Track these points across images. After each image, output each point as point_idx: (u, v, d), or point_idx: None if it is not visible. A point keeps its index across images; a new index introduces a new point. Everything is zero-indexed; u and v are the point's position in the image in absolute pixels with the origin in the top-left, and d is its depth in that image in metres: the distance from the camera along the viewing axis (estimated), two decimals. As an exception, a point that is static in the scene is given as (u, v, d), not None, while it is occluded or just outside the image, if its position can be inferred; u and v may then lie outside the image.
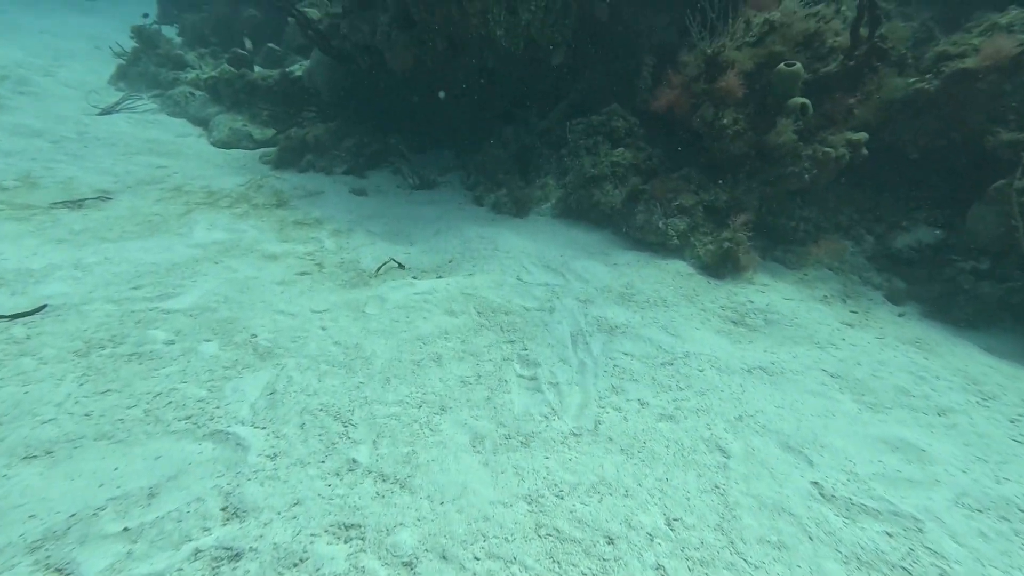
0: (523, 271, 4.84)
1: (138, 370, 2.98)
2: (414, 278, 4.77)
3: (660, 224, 5.17)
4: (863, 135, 4.36)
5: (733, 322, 4.13)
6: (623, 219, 5.62)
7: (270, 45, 8.70)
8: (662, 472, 2.63)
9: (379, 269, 4.78)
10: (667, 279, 4.78)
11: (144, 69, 8.53)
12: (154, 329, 3.37)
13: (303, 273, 4.50)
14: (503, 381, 3.36)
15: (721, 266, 4.72)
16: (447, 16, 6.02)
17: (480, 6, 5.58)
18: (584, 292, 4.52)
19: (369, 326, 3.83)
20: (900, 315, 4.09)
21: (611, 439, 2.89)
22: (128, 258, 4.09)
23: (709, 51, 4.72)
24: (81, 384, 2.77)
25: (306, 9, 7.22)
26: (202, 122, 7.62)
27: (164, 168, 5.91)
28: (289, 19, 6.99)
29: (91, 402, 2.65)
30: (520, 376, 3.45)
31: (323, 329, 3.72)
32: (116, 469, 2.29)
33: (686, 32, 6.19)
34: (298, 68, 7.81)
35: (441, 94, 6.92)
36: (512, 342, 3.81)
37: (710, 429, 2.94)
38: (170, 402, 2.79)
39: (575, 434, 2.93)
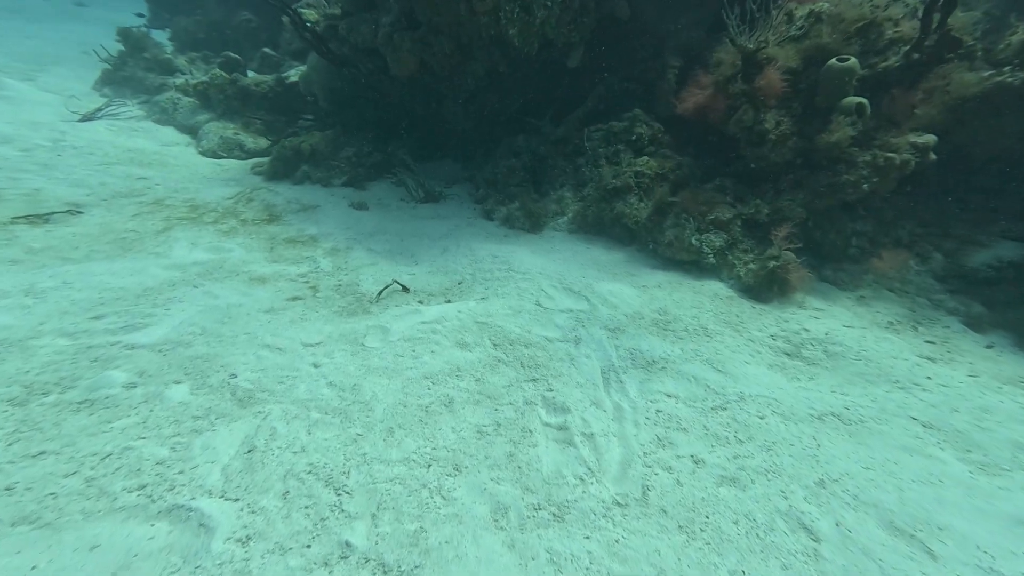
0: (542, 295, 4.36)
1: (86, 423, 2.49)
2: (420, 303, 4.30)
3: (693, 240, 4.69)
4: (931, 138, 3.90)
5: (787, 354, 3.63)
6: (650, 235, 5.15)
7: (265, 50, 8.35)
8: (736, 562, 2.12)
9: (381, 293, 4.30)
10: (705, 303, 4.29)
11: (131, 74, 8.18)
12: (113, 369, 2.89)
13: (295, 299, 4.03)
14: (527, 432, 2.86)
15: (766, 288, 4.23)
16: (455, 16, 5.63)
17: (491, 4, 5.18)
18: (613, 319, 4.03)
19: (369, 362, 3.35)
20: (989, 347, 3.58)
21: (665, 511, 2.38)
22: (92, 282, 3.62)
23: (749, 47, 4.28)
24: (9, 444, 2.28)
25: (302, 10, 6.85)
26: (191, 130, 7.22)
27: (145, 179, 5.48)
28: (284, 20, 6.61)
29: (17, 470, 2.15)
30: (547, 425, 2.95)
31: (316, 367, 3.24)
32: (34, 568, 1.79)
33: (715, 30, 5.79)
34: (294, 73, 7.43)
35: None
36: (535, 381, 3.32)
37: (786, 498, 2.43)
38: (121, 466, 2.30)
39: (620, 503, 2.42)
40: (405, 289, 4.51)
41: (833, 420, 2.94)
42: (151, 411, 2.64)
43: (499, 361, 3.49)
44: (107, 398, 2.68)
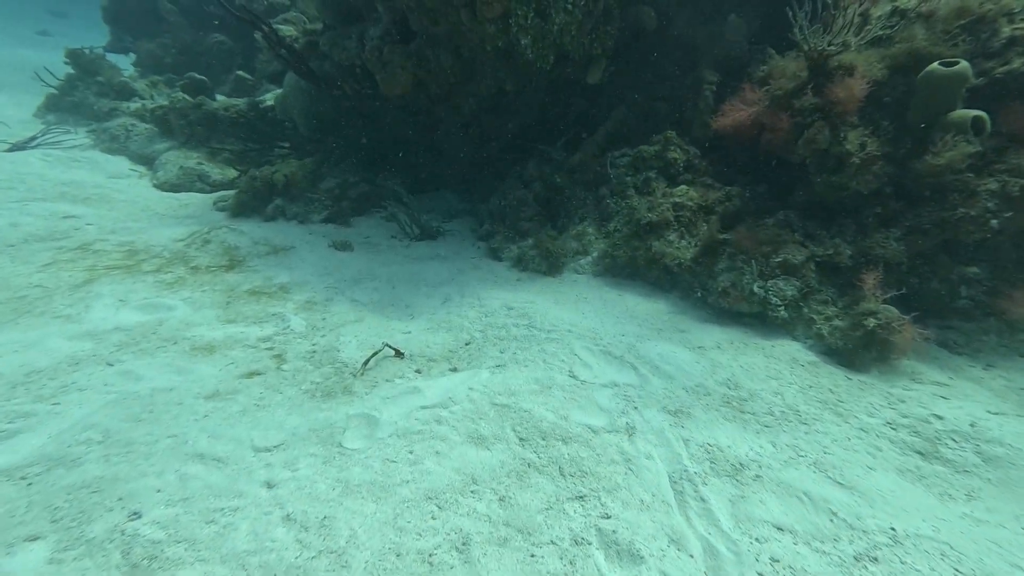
0: (576, 362, 3.48)
1: None
2: (418, 373, 3.42)
3: (755, 288, 3.87)
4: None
5: (920, 453, 2.75)
6: (696, 280, 4.33)
7: (239, 73, 7.66)
8: None
9: (367, 362, 3.42)
10: (783, 372, 3.43)
11: (81, 99, 7.42)
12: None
13: (251, 374, 3.12)
14: (586, 599, 1.94)
15: (860, 352, 3.40)
16: (456, 25, 4.93)
17: (500, 8, 4.49)
18: (671, 396, 3.16)
19: (349, 475, 2.44)
20: None
21: None
22: (-43, 365, 2.69)
23: (826, 49, 3.57)
24: None
25: (279, 26, 6.16)
26: (147, 160, 6.41)
27: (73, 219, 4.60)
28: (258, 37, 5.92)
29: None
30: (613, 583, 2.03)
31: (269, 487, 2.32)
32: None
33: (760, 40, 5.13)
34: (270, 97, 6.70)
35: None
36: (582, 499, 2.42)
37: None
38: None
39: None
40: (399, 354, 3.63)
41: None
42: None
43: (529, 466, 2.59)
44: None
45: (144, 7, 9.23)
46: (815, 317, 3.64)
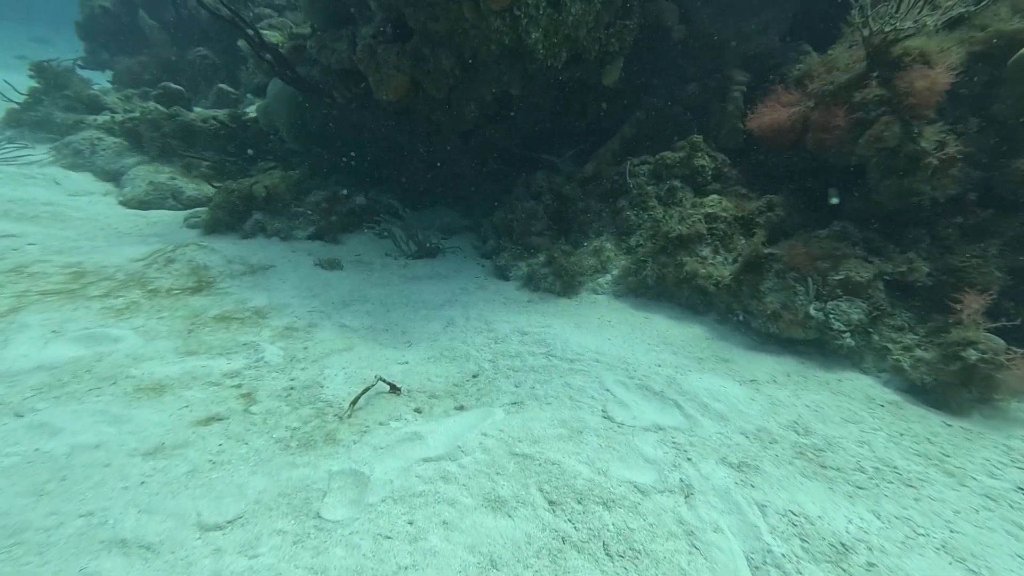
0: (608, 399, 2.92)
1: None
2: (418, 413, 2.87)
3: (812, 311, 3.35)
4: None
5: (1068, 519, 2.17)
6: (737, 301, 3.80)
7: (221, 86, 7.22)
8: None
9: (357, 400, 2.86)
10: (861, 414, 2.88)
11: (46, 114, 6.93)
12: None
13: (209, 420, 2.53)
14: None
15: (957, 391, 2.85)
16: (457, 20, 4.51)
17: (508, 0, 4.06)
18: (729, 444, 2.59)
19: (327, 562, 1.86)
20: None
21: None
22: None
23: (885, 35, 3.14)
24: None
25: (264, 32, 5.73)
26: (114, 176, 5.89)
27: (12, 238, 4.03)
28: (241, 44, 5.48)
29: None
30: None
31: (217, 585, 1.71)
32: None
33: (793, 36, 4.74)
34: (253, 109, 6.23)
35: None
36: (641, 591, 1.83)
37: None
38: None
39: None
40: (394, 389, 3.08)
41: None
42: None
43: (564, 541, 2.01)
44: None
45: (122, 23, 8.86)
46: (890, 346, 3.11)
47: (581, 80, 5.05)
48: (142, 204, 5.33)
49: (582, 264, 4.59)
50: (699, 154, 4.60)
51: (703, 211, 4.24)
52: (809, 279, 3.37)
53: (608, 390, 3.01)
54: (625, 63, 4.89)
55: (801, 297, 3.44)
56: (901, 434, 2.66)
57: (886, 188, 3.29)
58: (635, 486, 2.28)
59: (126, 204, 5.29)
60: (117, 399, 2.48)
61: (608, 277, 4.54)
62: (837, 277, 3.32)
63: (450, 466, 2.35)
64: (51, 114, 6.83)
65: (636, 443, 2.56)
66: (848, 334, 3.17)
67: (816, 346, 3.45)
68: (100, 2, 8.76)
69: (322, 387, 3.02)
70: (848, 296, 3.26)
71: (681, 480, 2.33)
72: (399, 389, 3.10)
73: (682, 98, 5.18)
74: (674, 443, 2.57)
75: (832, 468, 2.43)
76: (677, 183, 4.60)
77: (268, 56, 5.49)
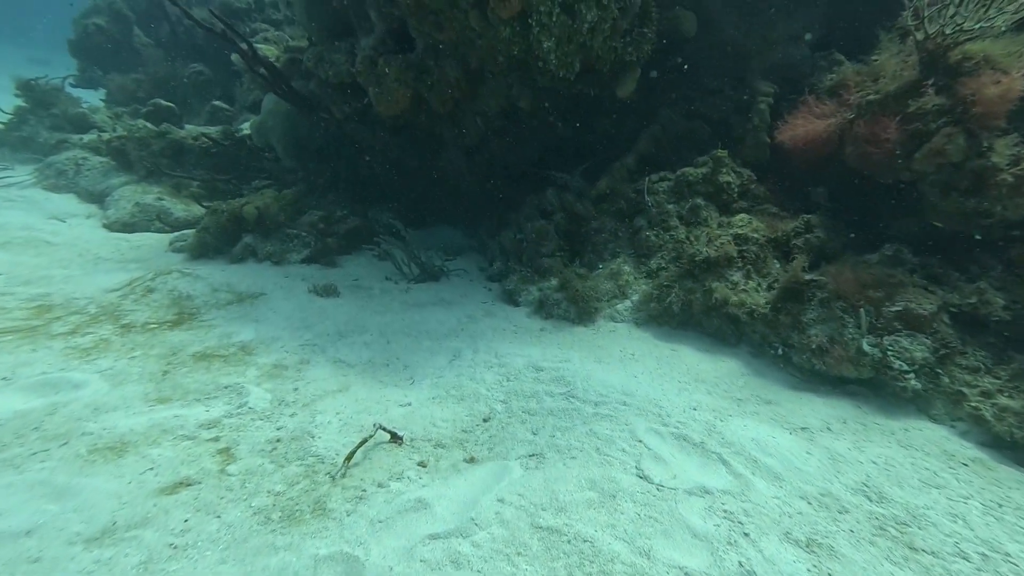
0: (642, 451, 2.53)
1: None
2: (422, 468, 2.50)
3: (866, 347, 2.96)
4: None
5: None
6: (774, 332, 3.42)
7: (216, 103, 6.93)
8: None
9: (352, 455, 2.48)
10: (943, 476, 2.48)
11: (31, 134, 6.63)
12: None
13: (177, 487, 2.15)
14: None
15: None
16: (463, 30, 4.21)
17: (517, 6, 3.76)
18: (790, 513, 2.19)
19: None
20: None
21: None
22: None
23: (941, 38, 2.80)
24: None
25: (259, 45, 5.45)
26: (99, 198, 5.56)
27: (-26, 266, 3.68)
28: (234, 59, 5.18)
29: None
30: None
31: None
32: None
33: (821, 47, 4.43)
34: (248, 126, 5.93)
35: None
36: None
37: None
38: None
39: None
40: (395, 439, 2.72)
41: None
42: None
43: (608, 652, 1.60)
44: None
45: (115, 40, 8.61)
46: (965, 391, 2.72)
47: (594, 93, 4.73)
48: (127, 227, 4.98)
49: (598, 289, 4.22)
50: (724, 170, 4.26)
51: (732, 232, 3.88)
52: (862, 310, 2.99)
53: (641, 441, 2.62)
54: (640, 74, 4.57)
55: (851, 330, 3.06)
56: (999, 504, 2.26)
57: (946, 208, 2.94)
58: (685, 573, 1.88)
59: (109, 227, 4.94)
60: (66, 464, 2.08)
61: (627, 303, 4.16)
62: (894, 308, 2.95)
63: (462, 545, 1.96)
64: (37, 133, 6.53)
65: (681, 512, 2.16)
66: (912, 375, 2.78)
67: (871, 387, 3.06)
68: (94, 20, 8.54)
69: (313, 438, 2.63)
70: (909, 330, 2.88)
71: (741, 565, 1.92)
72: (401, 438, 2.72)
73: (701, 111, 4.86)
74: (725, 511, 2.17)
75: (925, 552, 2.01)
76: (700, 201, 4.26)
77: (263, 70, 5.19)
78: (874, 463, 2.50)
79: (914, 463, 2.49)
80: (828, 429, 2.77)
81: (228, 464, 2.37)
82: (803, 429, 2.76)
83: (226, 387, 2.89)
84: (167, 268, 3.90)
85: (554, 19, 3.75)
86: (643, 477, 2.36)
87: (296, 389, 3.05)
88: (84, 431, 2.30)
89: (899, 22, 3.86)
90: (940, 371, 2.80)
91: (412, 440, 2.74)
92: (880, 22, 3.91)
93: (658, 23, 4.33)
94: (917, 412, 2.87)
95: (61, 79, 7.43)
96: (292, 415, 2.79)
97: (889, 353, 2.88)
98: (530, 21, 3.87)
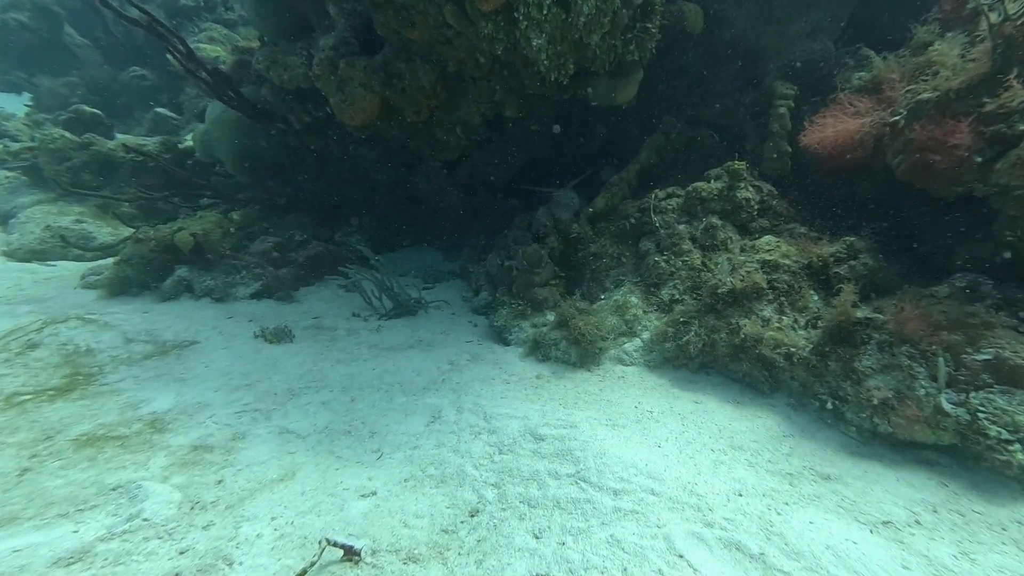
0: (683, 569, 1.83)
1: None
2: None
3: (946, 405, 2.35)
4: None
5: None
6: (820, 381, 2.79)
7: (159, 110, 6.10)
8: None
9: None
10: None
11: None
12: None
13: None
14: None
15: None
16: (438, 27, 3.54)
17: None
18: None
19: None
20: None
21: None
22: None
23: (1021, 22, 2.25)
24: None
25: (202, 46, 4.68)
26: (3, 219, 4.66)
27: None
28: (169, 58, 4.40)
29: None
30: None
31: None
32: None
33: (845, 41, 3.89)
34: (191, 138, 5.13)
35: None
36: None
37: None
38: None
39: None
40: (350, 555, 1.97)
41: None
42: None
43: None
44: None
45: (42, 39, 7.59)
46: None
47: (581, 101, 4.09)
48: (34, 254, 4.13)
49: (603, 326, 3.55)
50: (742, 184, 3.66)
51: (758, 257, 3.26)
52: (940, 358, 2.38)
53: (679, 553, 1.92)
54: (645, 75, 3.96)
55: (922, 382, 2.45)
56: None
57: (1036, 231, 2.38)
58: None
59: (10, 255, 4.08)
60: None
61: (637, 342, 3.50)
62: (980, 357, 2.34)
63: None
64: (-63, 147, 5.62)
65: None
66: (1019, 445, 2.17)
67: (951, 454, 2.44)
68: (14, 15, 7.54)
69: (230, 566, 1.87)
70: (1004, 385, 2.28)
71: None
72: (358, 555, 1.98)
73: (707, 117, 4.28)
74: None
75: None
76: (716, 220, 3.64)
77: (204, 75, 4.42)
78: (994, 577, 1.86)
79: (1053, 581, 1.86)
80: (916, 523, 2.12)
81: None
82: (885, 524, 2.11)
83: (115, 488, 2.10)
84: (63, 315, 3.08)
85: (545, 12, 3.10)
86: (697, 621, 1.66)
87: (221, 482, 2.28)
88: None
89: (934, 12, 3.38)
90: (1052, 441, 2.21)
91: (374, 553, 2.01)
92: (914, 14, 3.40)
93: (661, 18, 3.74)
94: (1023, 492, 2.26)
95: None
96: (206, 527, 2.02)
97: (980, 415, 2.27)
98: (516, 15, 3.21)
